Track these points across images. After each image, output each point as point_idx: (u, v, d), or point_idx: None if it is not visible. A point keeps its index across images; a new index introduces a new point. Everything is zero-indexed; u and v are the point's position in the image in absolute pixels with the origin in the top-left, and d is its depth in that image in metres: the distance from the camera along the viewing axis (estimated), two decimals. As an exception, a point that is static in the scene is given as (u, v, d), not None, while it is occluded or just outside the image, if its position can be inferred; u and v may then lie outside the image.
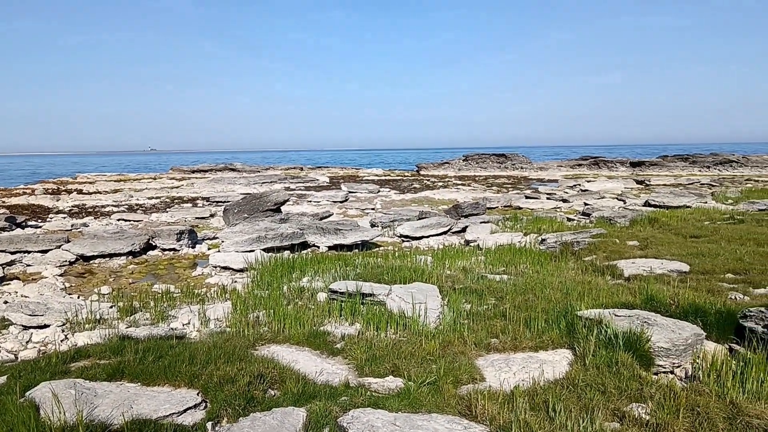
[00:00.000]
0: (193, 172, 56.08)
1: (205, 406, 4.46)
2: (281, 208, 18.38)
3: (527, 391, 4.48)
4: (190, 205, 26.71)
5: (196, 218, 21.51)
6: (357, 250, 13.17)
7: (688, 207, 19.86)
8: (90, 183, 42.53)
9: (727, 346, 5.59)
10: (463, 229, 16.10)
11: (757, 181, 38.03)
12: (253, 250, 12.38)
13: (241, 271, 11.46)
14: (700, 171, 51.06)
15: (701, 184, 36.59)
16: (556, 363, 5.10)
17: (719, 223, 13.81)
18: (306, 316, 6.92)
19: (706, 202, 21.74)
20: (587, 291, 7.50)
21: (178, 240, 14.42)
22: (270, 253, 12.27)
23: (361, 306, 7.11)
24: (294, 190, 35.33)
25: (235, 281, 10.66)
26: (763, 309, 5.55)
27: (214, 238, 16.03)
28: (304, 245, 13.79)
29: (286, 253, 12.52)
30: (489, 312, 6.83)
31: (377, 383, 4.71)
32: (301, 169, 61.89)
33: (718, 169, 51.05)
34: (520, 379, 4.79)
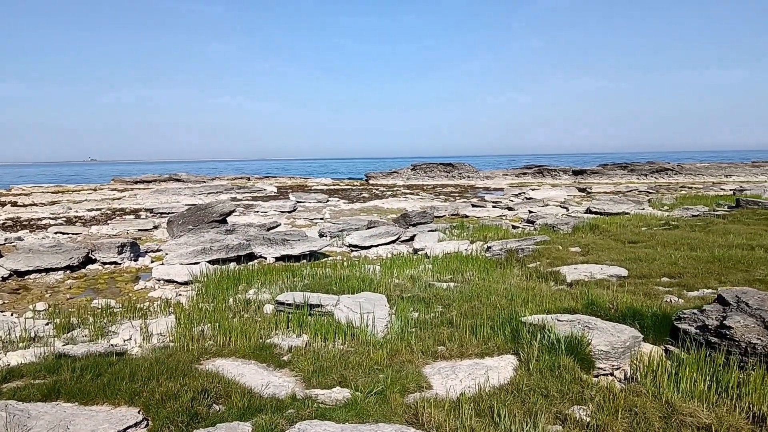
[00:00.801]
0: (136, 182, 54.63)
1: (147, 424, 4.32)
2: (227, 219, 18.08)
3: (473, 398, 4.53)
4: (132, 216, 25.98)
5: (139, 230, 20.93)
6: (305, 261, 13.08)
7: (626, 213, 20.59)
8: (25, 195, 40.81)
9: (663, 348, 5.80)
10: (412, 238, 16.22)
11: (691, 188, 39.78)
12: (198, 263, 12.13)
13: (185, 284, 11.21)
14: (638, 179, 53.03)
15: (639, 191, 38.02)
16: (501, 369, 5.18)
17: (656, 229, 14.38)
18: (252, 328, 6.81)
19: (643, 209, 22.59)
20: (531, 297, 7.66)
21: (120, 253, 13.99)
22: (216, 265, 12.06)
23: (309, 317, 7.06)
24: (241, 200, 34.85)
25: (180, 294, 10.42)
26: (696, 311, 5.79)
27: (158, 250, 15.62)
28: (251, 256, 13.60)
29: (233, 264, 12.33)
30: (436, 320, 6.89)
31: (324, 394, 4.68)
32: (249, 179, 61.13)
33: (655, 177, 53.15)
34: (467, 386, 4.85)
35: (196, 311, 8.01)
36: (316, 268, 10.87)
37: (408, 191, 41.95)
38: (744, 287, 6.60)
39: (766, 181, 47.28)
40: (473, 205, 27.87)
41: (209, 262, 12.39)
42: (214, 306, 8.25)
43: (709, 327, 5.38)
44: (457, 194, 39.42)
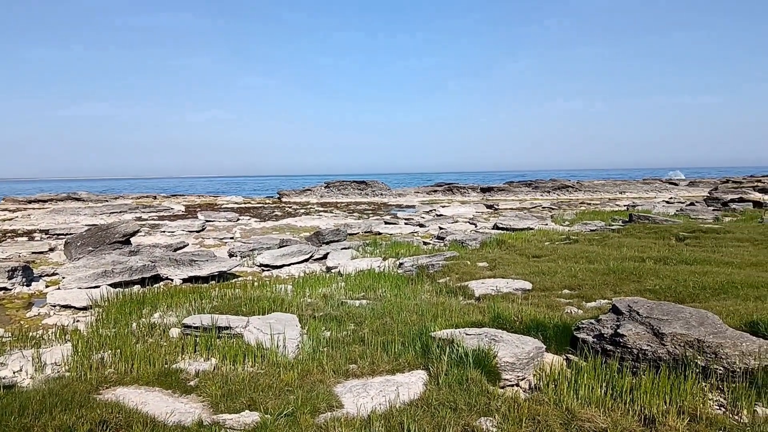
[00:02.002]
0: (30, 202, 51.20)
1: (38, 462, 4.03)
2: (131, 239, 17.31)
3: (384, 415, 4.56)
4: (25, 238, 24.32)
5: (33, 253, 19.58)
6: (214, 282, 12.71)
7: (531, 229, 21.50)
8: None
9: (565, 357, 6.07)
10: (325, 256, 16.16)
11: (590, 204, 42.10)
12: (98, 286, 11.52)
13: (84, 309, 10.59)
14: (541, 195, 55.54)
15: (543, 207, 39.84)
16: (411, 384, 5.24)
17: (557, 244, 15.10)
18: (157, 353, 6.53)
19: (546, 224, 23.67)
20: (441, 312, 7.82)
21: (10, 278, 13.03)
22: (118, 289, 11.49)
23: (218, 340, 6.86)
24: (146, 220, 33.46)
25: (78, 321, 9.82)
26: (593, 321, 6.11)
27: (54, 274, 14.69)
28: (157, 278, 13.07)
29: (136, 287, 11.81)
30: (348, 338, 6.89)
31: (232, 419, 4.55)
32: (155, 197, 58.80)
33: (557, 194, 55.86)
34: (378, 403, 4.87)
35: (96, 338, 7.58)
36: (226, 289, 10.59)
37: (322, 209, 41.83)
38: (636, 297, 7.04)
39: (655, 197, 50.91)
40: (386, 222, 28.17)
41: (111, 285, 11.79)
42: (116, 331, 7.84)
43: (605, 336, 5.70)
44: (370, 211, 39.72)
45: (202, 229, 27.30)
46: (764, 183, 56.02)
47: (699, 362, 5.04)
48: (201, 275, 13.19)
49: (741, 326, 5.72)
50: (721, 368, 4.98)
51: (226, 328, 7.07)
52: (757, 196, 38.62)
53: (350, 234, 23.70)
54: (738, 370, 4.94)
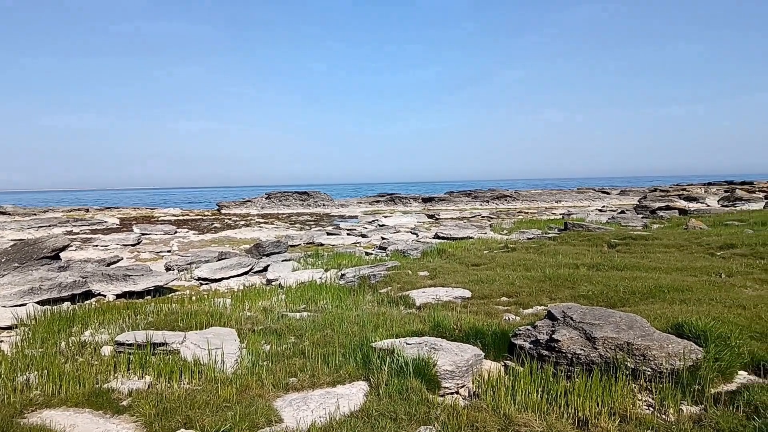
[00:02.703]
0: (-50, 216, 48.34)
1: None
2: (61, 254, 16.55)
3: (323, 428, 4.52)
4: (-56, 255, 22.89)
5: (-48, 270, 18.47)
6: (150, 297, 12.32)
7: (471, 238, 21.88)
8: None
9: (503, 363, 6.18)
10: (265, 269, 15.94)
11: (527, 213, 43.20)
12: (25, 304, 10.96)
13: (8, 328, 10.03)
14: (481, 205, 56.60)
15: (482, 216, 40.60)
16: (352, 396, 5.22)
17: (496, 252, 15.41)
18: (88, 373, 6.25)
19: (485, 233, 24.13)
20: (382, 322, 7.83)
21: (-74, 297, 12.23)
22: (46, 306, 10.97)
23: (153, 357, 6.63)
24: (78, 234, 32.12)
25: (1, 341, 9.30)
26: (529, 327, 6.26)
27: (-24, 292, 13.88)
28: (88, 295, 12.55)
29: (66, 304, 11.30)
30: (288, 351, 6.80)
31: (167, 439, 4.42)
32: (88, 210, 56.61)
33: (496, 203, 57.06)
34: (318, 416, 4.82)
35: (21, 358, 7.19)
36: (162, 304, 10.28)
37: (262, 220, 41.27)
38: (570, 303, 7.27)
39: (589, 206, 52.74)
40: (328, 233, 28.05)
41: (39, 302, 11.24)
42: (43, 351, 7.47)
43: (541, 341, 5.84)
44: (312, 222, 39.48)
45: (138, 243, 26.43)
46: (689, 191, 58.96)
47: (629, 364, 5.24)
48: (136, 290, 12.75)
49: (667, 329, 5.98)
50: (650, 369, 5.19)
51: (162, 344, 6.85)
52: (682, 204, 40.64)
53: (292, 245, 23.47)
54: (665, 370, 5.15)
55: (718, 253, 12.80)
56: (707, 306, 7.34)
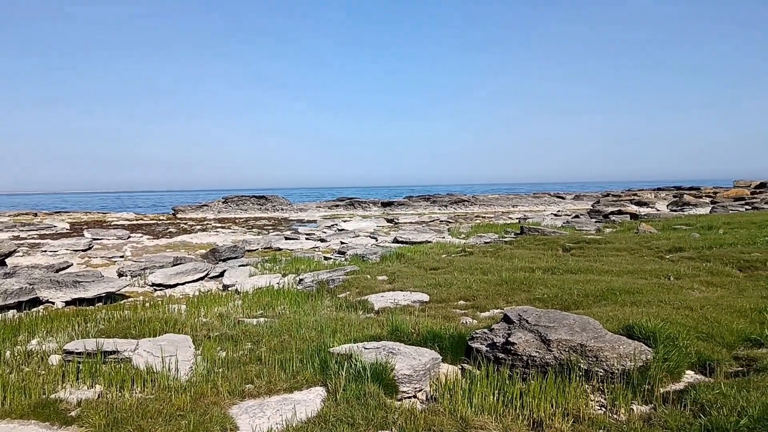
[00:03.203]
0: None
1: None
2: (7, 260, 15.99)
3: (280, 435, 4.46)
4: None
5: None
6: (101, 304, 11.98)
7: (429, 242, 22.02)
8: None
9: (460, 367, 6.23)
10: (221, 274, 15.71)
11: (484, 217, 43.79)
12: (-34, 312, 10.51)
13: (-51, 338, 9.61)
14: (439, 209, 57.04)
15: (440, 221, 40.93)
16: (309, 402, 5.17)
17: (454, 256, 15.55)
18: (34, 383, 6.03)
19: (443, 237, 24.33)
20: (340, 327, 7.79)
21: None
22: (-10, 314, 10.54)
23: (103, 365, 6.43)
24: (25, 239, 31.01)
25: (-59, 351, 8.89)
26: (486, 330, 6.32)
27: None
28: (36, 302, 12.13)
29: (12, 312, 10.89)
30: (245, 357, 6.70)
31: (118, 450, 4.29)
32: (36, 214, 54.68)
33: (454, 208, 57.59)
34: (274, 423, 4.76)
35: (-38, 369, 6.91)
36: (114, 311, 10.01)
37: (219, 225, 40.64)
38: (525, 306, 7.36)
39: (544, 210, 53.74)
40: (287, 238, 27.82)
41: (-18, 311, 10.81)
42: (-14, 361, 7.18)
43: (497, 344, 5.91)
44: (270, 227, 39.08)
45: (89, 248, 25.67)
46: (640, 196, 60.75)
47: (582, 366, 5.34)
48: (86, 297, 12.38)
49: (619, 330, 6.13)
50: (602, 370, 5.31)
51: (113, 352, 6.66)
52: (633, 208, 41.85)
53: (249, 250, 23.19)
54: (616, 371, 5.28)
55: (667, 257, 13.21)
56: (657, 308, 7.55)
